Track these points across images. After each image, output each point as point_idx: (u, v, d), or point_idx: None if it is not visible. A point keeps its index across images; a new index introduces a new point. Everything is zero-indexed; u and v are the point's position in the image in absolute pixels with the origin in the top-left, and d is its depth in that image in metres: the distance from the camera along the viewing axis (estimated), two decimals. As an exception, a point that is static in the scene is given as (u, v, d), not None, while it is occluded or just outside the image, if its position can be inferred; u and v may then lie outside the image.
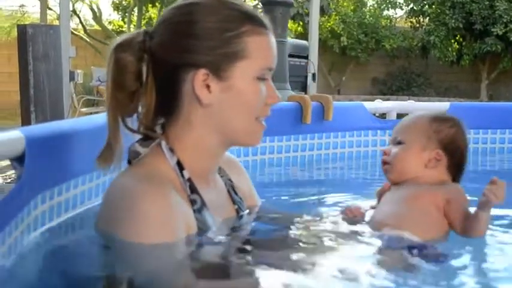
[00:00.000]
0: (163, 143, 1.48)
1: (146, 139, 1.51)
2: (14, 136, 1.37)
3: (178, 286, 1.28)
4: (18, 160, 1.39)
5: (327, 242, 1.54)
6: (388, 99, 5.35)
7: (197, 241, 1.44)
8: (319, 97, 3.42)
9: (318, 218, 1.75)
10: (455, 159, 1.75)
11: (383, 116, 3.87)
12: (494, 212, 1.59)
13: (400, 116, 3.72)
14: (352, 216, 1.73)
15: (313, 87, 8.19)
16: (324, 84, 14.17)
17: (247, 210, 1.70)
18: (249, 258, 1.40)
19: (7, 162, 1.46)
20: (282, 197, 2.45)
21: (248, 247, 1.49)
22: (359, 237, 1.57)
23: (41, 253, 1.47)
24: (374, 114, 3.69)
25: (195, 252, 1.41)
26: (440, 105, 3.90)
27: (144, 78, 1.47)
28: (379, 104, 3.89)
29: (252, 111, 1.49)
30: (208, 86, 1.45)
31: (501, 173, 3.54)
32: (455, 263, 1.49)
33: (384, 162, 1.79)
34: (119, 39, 1.50)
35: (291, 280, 1.30)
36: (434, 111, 1.84)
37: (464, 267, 1.50)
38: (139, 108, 1.49)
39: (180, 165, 1.47)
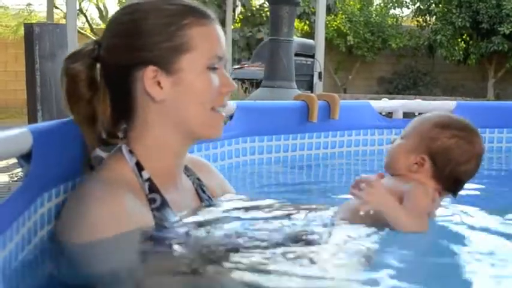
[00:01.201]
0: (124, 146, 1.52)
1: (107, 144, 1.55)
2: (21, 133, 1.37)
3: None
4: (25, 158, 1.40)
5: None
6: (394, 98, 5.34)
7: (151, 235, 1.45)
8: (325, 96, 3.42)
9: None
10: (445, 171, 1.69)
11: (389, 115, 3.86)
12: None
13: (406, 115, 3.71)
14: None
15: (319, 86, 8.18)
16: (330, 83, 14.15)
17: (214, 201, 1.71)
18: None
19: (13, 161, 1.47)
20: (288, 195, 2.45)
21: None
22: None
23: (48, 252, 1.47)
24: (380, 113, 3.68)
25: (146, 244, 1.42)
26: (447, 104, 3.88)
27: (97, 86, 1.52)
28: (385, 103, 3.88)
29: (205, 101, 1.51)
30: (159, 83, 1.47)
31: (509, 172, 3.54)
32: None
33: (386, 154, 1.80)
34: (71, 50, 1.55)
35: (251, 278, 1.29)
36: (451, 115, 1.79)
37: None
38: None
39: (139, 166, 1.49)
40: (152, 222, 1.46)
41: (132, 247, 1.40)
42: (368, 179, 1.62)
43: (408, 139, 1.73)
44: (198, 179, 1.71)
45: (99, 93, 1.51)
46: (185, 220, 1.54)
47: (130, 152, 1.51)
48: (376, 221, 1.57)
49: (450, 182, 1.71)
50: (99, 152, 1.54)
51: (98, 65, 1.53)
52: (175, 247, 1.41)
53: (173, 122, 1.51)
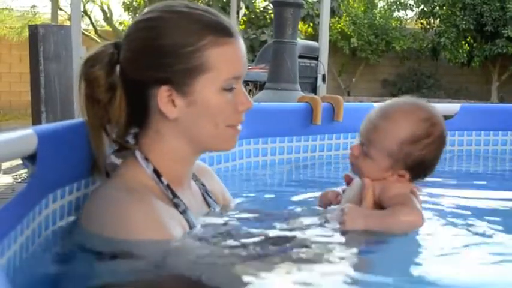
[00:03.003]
0: (138, 153, 1.51)
1: (120, 150, 1.53)
2: (26, 135, 1.38)
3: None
4: (30, 159, 1.40)
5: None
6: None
7: (199, 236, 1.47)
8: (329, 98, 3.42)
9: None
10: (420, 172, 1.70)
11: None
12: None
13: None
14: (328, 202, 1.74)
15: (323, 88, 8.17)
16: (334, 86, 14.14)
17: (219, 207, 1.72)
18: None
19: (17, 162, 1.47)
20: (292, 197, 2.44)
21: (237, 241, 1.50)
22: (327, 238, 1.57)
23: (53, 252, 1.47)
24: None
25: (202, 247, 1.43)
26: (451, 107, 3.88)
27: (115, 90, 1.50)
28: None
29: (220, 121, 1.49)
30: (173, 101, 1.45)
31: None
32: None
33: (351, 163, 1.74)
34: (88, 53, 1.52)
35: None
36: (408, 120, 1.65)
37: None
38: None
39: (157, 173, 1.49)
40: (187, 224, 1.48)
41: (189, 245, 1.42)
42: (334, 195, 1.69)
43: (377, 158, 1.66)
44: (203, 184, 1.72)
45: (116, 98, 1.49)
46: (204, 224, 1.56)
47: (146, 159, 1.50)
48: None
49: (425, 176, 1.73)
50: (114, 159, 1.53)
51: (117, 68, 1.51)
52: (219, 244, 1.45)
53: (186, 137, 1.51)
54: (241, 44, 1.52)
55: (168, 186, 1.49)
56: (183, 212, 1.49)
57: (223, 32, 1.48)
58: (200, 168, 1.76)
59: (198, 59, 1.44)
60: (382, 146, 1.65)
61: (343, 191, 1.79)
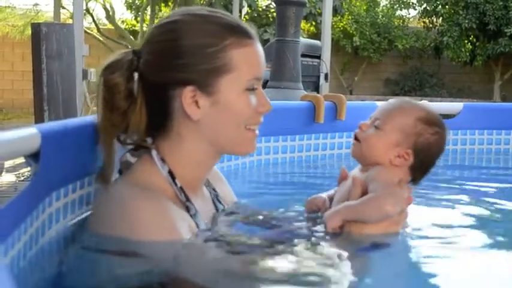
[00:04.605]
0: (154, 153, 1.51)
1: (137, 149, 1.54)
2: (29, 133, 1.38)
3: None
4: (34, 157, 1.40)
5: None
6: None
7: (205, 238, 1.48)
8: (332, 96, 3.41)
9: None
10: (423, 164, 1.69)
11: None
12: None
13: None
14: (316, 209, 1.73)
15: (326, 87, 8.18)
16: (336, 85, 14.14)
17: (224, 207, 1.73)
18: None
19: (20, 160, 1.47)
20: (294, 196, 2.45)
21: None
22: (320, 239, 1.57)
23: (56, 251, 1.47)
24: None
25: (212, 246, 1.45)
26: (454, 106, 3.87)
27: (134, 97, 1.50)
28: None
29: (242, 122, 1.51)
30: (196, 102, 1.46)
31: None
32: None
33: (356, 137, 1.74)
34: (107, 60, 1.52)
35: None
36: (425, 107, 1.74)
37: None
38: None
39: (171, 175, 1.49)
40: (196, 228, 1.49)
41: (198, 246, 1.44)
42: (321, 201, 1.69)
43: (389, 131, 1.68)
44: (214, 190, 1.72)
45: (137, 105, 1.49)
46: (210, 227, 1.57)
47: (162, 160, 1.50)
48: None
49: (421, 173, 1.72)
50: (129, 158, 1.53)
51: (136, 76, 1.51)
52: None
53: (207, 139, 1.51)
54: (260, 46, 1.54)
55: (181, 188, 1.50)
56: (193, 216, 1.50)
57: (244, 33, 1.51)
58: (213, 173, 1.76)
59: (222, 59, 1.46)
60: (397, 120, 1.69)
61: (329, 197, 1.76)
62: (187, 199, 1.50)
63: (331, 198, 1.74)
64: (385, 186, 1.58)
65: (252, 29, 1.53)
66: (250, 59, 1.50)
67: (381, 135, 1.69)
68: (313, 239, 1.55)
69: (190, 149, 1.52)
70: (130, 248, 1.36)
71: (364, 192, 1.61)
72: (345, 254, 1.45)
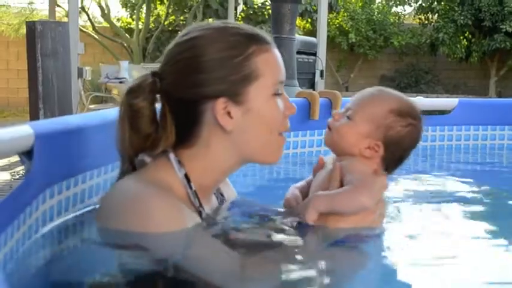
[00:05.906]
0: (172, 155, 1.50)
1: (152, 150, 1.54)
2: (23, 130, 1.38)
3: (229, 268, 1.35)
4: (27, 155, 1.40)
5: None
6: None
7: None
8: (327, 93, 3.42)
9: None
10: (395, 156, 1.67)
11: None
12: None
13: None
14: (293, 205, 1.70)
15: (321, 84, 8.19)
16: (332, 82, 14.15)
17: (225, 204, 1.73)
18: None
19: (15, 159, 1.47)
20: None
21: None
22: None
23: (50, 248, 1.48)
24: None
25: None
26: (449, 102, 3.88)
27: (159, 119, 1.51)
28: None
29: (274, 128, 1.53)
30: (229, 113, 1.47)
31: (510, 169, 3.54)
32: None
33: (328, 126, 1.72)
34: (129, 85, 1.53)
35: None
36: (400, 98, 1.71)
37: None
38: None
39: (187, 178, 1.50)
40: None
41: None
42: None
43: (359, 121, 1.66)
44: (222, 195, 1.72)
45: (166, 125, 1.49)
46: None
47: (179, 162, 1.50)
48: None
49: (393, 165, 1.70)
50: (145, 157, 1.53)
51: (158, 97, 1.52)
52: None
53: (236, 149, 1.52)
54: (277, 50, 1.57)
55: (195, 192, 1.50)
56: (203, 219, 1.51)
57: (263, 40, 1.53)
58: None
59: (248, 67, 1.47)
60: (368, 111, 1.67)
61: (303, 187, 1.75)
62: (200, 204, 1.50)
63: (306, 188, 1.73)
64: (360, 177, 1.57)
65: (268, 36, 1.56)
66: (272, 63, 1.52)
67: (351, 126, 1.67)
68: (291, 234, 1.56)
69: (216, 158, 1.52)
70: (140, 241, 1.37)
71: (341, 182, 1.60)
72: (320, 247, 1.47)
